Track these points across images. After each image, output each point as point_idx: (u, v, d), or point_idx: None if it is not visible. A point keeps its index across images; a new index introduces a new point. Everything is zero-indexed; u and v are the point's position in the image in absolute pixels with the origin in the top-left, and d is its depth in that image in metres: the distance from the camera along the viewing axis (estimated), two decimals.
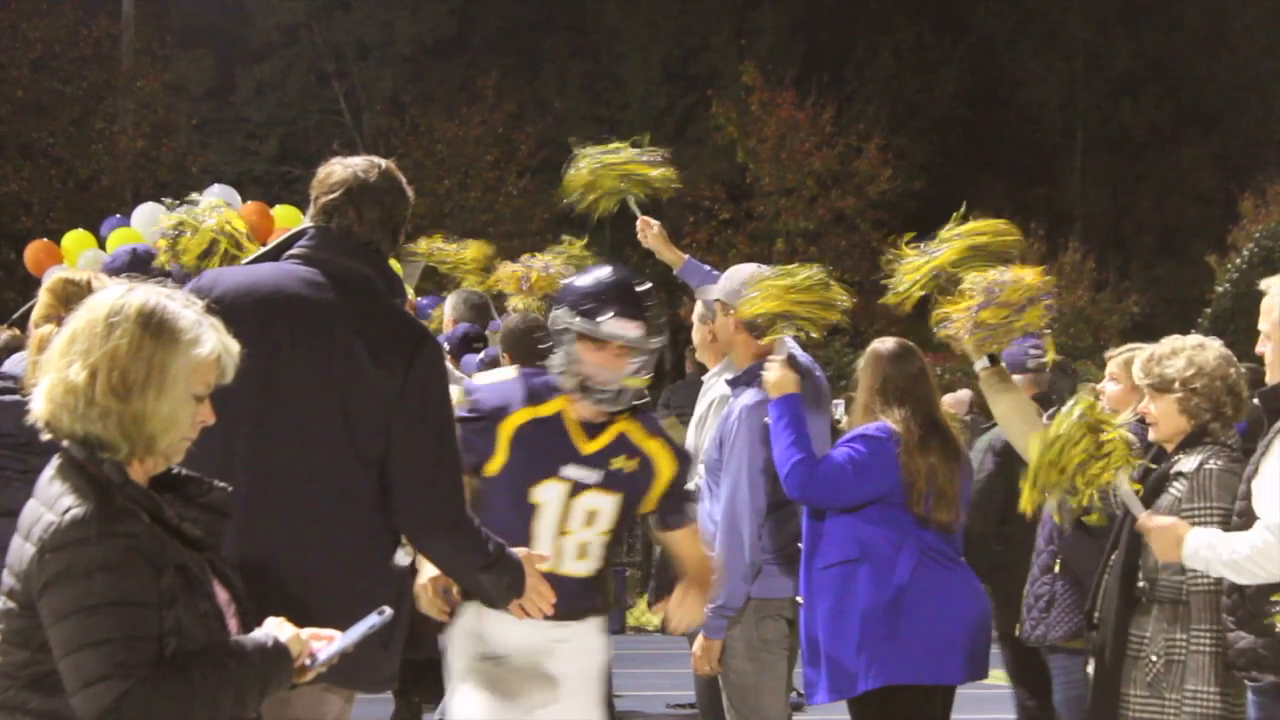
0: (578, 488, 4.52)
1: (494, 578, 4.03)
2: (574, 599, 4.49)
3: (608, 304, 4.49)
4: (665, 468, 4.65)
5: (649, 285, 4.61)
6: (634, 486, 4.61)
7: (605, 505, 4.57)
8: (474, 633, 4.52)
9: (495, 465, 4.51)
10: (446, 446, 3.92)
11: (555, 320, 4.59)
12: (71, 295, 4.66)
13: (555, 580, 4.33)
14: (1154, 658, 4.91)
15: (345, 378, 3.81)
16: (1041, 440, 4.89)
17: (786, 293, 5.56)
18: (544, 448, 4.52)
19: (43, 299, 5.09)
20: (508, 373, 4.77)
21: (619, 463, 4.57)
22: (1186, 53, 33.78)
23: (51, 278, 5.22)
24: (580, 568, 4.57)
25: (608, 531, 4.60)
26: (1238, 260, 21.74)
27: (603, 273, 4.63)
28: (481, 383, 4.69)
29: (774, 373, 5.53)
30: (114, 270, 7.88)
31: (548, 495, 4.50)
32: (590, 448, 4.55)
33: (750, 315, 5.60)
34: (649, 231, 6.80)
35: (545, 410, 4.55)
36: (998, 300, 5.45)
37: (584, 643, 4.60)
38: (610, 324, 4.47)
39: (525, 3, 33.01)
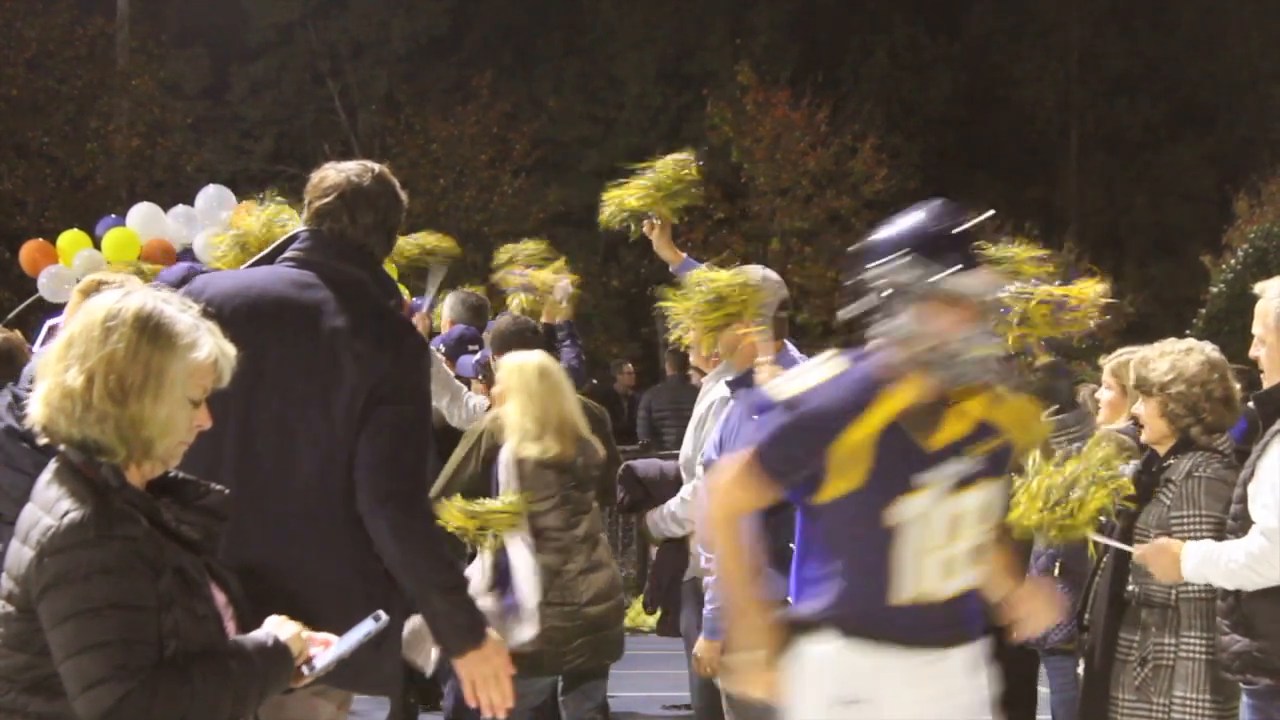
0: (942, 491, 3.69)
1: (451, 606, 3.82)
2: (957, 618, 3.78)
3: (952, 252, 3.57)
4: (1022, 436, 3.86)
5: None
6: (1001, 466, 3.80)
7: (978, 501, 3.75)
8: (828, 670, 3.71)
9: (833, 491, 3.69)
10: (413, 435, 3.85)
11: (878, 280, 3.64)
12: None
13: (923, 608, 3.68)
14: (1142, 662, 4.92)
15: (332, 380, 3.81)
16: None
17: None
18: (891, 459, 3.65)
19: (75, 299, 5.09)
20: (822, 372, 3.75)
21: (980, 448, 3.73)
22: (1182, 53, 33.78)
23: (85, 279, 5.20)
24: (960, 584, 3.77)
25: (989, 527, 3.80)
26: (1233, 261, 21.74)
27: (935, 215, 3.66)
28: (798, 388, 3.73)
29: (764, 373, 5.51)
30: (169, 284, 7.75)
31: (907, 512, 3.66)
32: (939, 442, 3.69)
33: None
34: (656, 226, 6.78)
35: (879, 413, 3.65)
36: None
37: (971, 673, 3.84)
38: (960, 277, 3.56)
39: (520, 2, 32.98)
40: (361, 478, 3.79)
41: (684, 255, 6.69)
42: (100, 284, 4.96)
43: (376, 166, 4.10)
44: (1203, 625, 4.85)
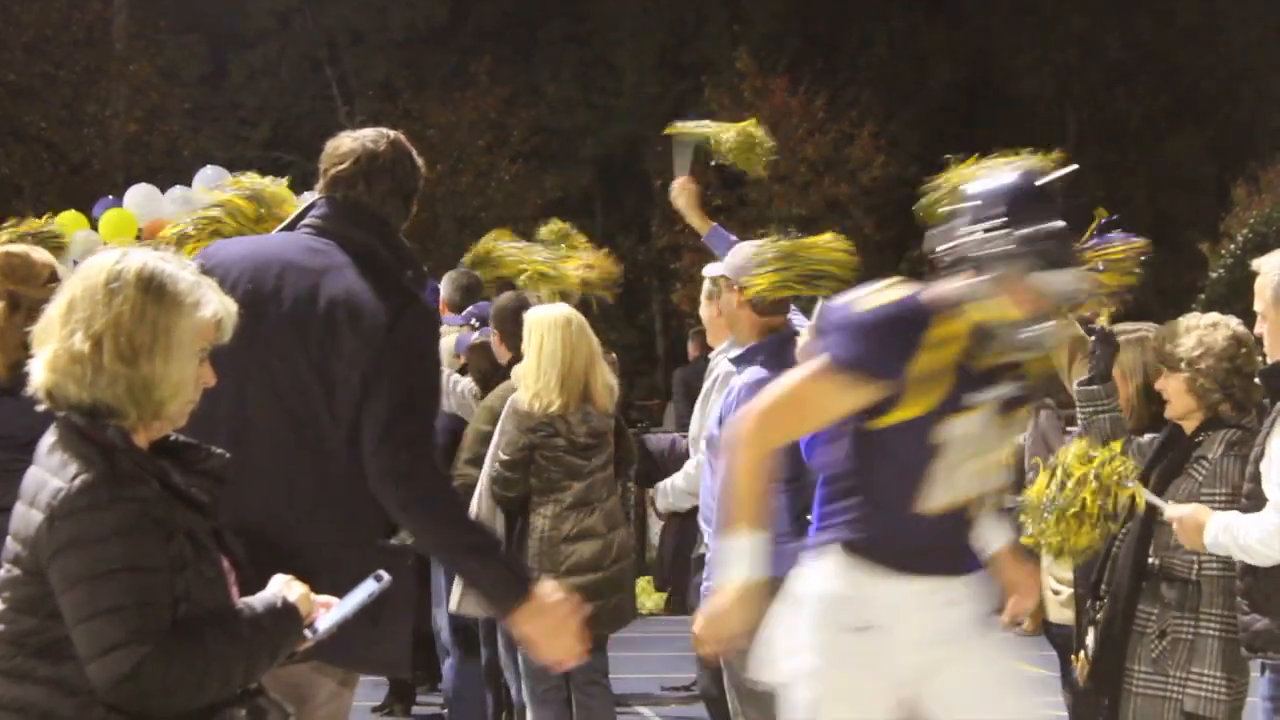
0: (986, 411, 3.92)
1: (482, 565, 3.81)
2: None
3: (1056, 253, 3.80)
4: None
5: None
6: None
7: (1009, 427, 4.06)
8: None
9: (898, 414, 3.85)
10: (417, 404, 3.79)
11: (983, 242, 3.80)
12: (17, 268, 4.49)
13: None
14: (1160, 635, 4.91)
15: (325, 345, 3.77)
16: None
17: (792, 265, 5.48)
18: (948, 381, 3.86)
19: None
20: (893, 293, 3.92)
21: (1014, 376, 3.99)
22: (1180, 42, 33.76)
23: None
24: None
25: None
26: (1232, 247, 21.75)
27: (1049, 206, 3.85)
28: (868, 308, 3.88)
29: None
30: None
31: (956, 430, 3.89)
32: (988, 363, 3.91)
33: (757, 294, 5.49)
34: (685, 193, 6.65)
35: (949, 332, 3.84)
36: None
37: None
38: (1053, 277, 3.79)
39: None
40: (366, 457, 3.74)
41: (713, 223, 6.55)
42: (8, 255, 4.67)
43: (392, 133, 4.08)
44: (1223, 603, 4.83)
